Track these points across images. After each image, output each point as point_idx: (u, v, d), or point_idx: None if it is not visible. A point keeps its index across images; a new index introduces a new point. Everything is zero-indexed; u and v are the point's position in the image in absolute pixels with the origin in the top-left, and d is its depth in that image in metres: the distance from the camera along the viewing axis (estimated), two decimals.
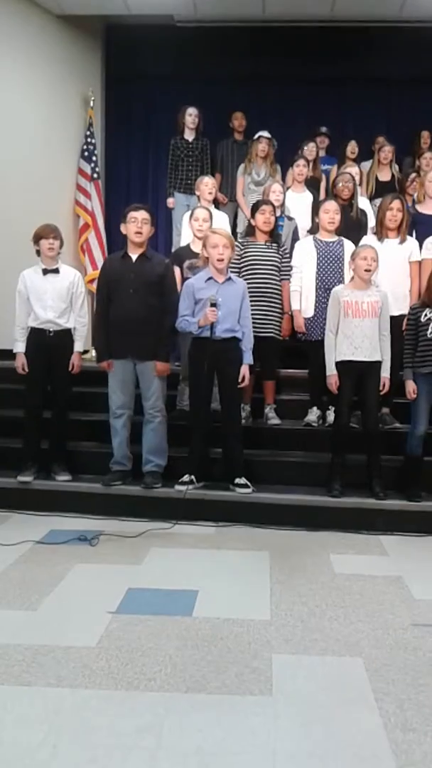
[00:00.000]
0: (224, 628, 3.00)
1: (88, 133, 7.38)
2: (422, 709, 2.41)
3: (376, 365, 4.46)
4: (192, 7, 6.76)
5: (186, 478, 4.52)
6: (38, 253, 4.71)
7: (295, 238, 5.58)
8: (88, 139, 7.36)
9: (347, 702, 2.46)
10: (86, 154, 7.34)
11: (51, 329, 4.66)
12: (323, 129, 7.30)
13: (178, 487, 4.51)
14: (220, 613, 3.13)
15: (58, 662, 2.67)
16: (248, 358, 4.51)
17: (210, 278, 4.48)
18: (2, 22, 6.41)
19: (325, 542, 4.15)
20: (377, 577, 3.63)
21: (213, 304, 4.32)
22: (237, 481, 4.50)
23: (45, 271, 4.69)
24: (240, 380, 4.48)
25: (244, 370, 4.48)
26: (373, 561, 3.90)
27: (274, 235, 5.10)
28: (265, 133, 6.60)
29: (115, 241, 6.42)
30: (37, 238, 4.67)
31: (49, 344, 4.66)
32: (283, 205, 5.71)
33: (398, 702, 2.45)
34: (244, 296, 4.53)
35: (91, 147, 7.36)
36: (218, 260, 4.41)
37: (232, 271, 4.93)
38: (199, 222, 5.02)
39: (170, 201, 6.97)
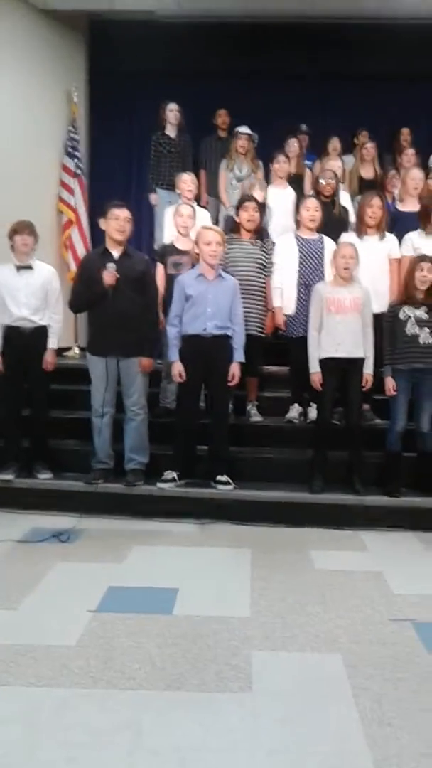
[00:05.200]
0: (204, 625, 3.01)
1: (71, 128, 7.33)
2: (399, 704, 2.44)
3: (359, 362, 4.49)
4: (175, 3, 6.73)
5: (168, 475, 4.53)
6: (12, 249, 4.68)
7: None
8: (72, 135, 7.32)
9: (325, 698, 2.48)
10: (70, 150, 7.30)
11: (26, 327, 4.64)
12: (303, 127, 7.31)
13: (160, 485, 4.51)
14: (201, 611, 3.15)
15: (37, 661, 2.68)
16: (239, 356, 4.51)
17: (200, 275, 4.48)
18: None
19: (305, 538, 4.18)
20: (357, 573, 3.66)
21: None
22: (219, 478, 4.52)
23: (19, 268, 4.66)
24: (230, 378, 4.48)
25: (234, 369, 4.49)
26: (353, 557, 3.93)
27: (258, 232, 5.10)
28: (244, 129, 6.59)
29: (99, 238, 6.37)
30: (12, 234, 4.64)
31: (24, 342, 4.63)
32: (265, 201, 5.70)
33: (376, 697, 2.48)
34: (236, 294, 4.54)
35: (75, 143, 7.32)
36: (210, 256, 4.41)
37: (221, 269, 4.94)
38: (184, 218, 5.02)
39: (153, 197, 6.94)
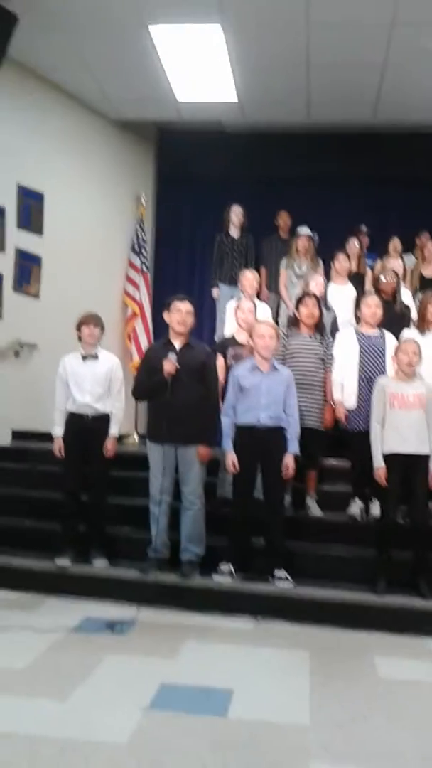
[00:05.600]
0: (260, 731, 2.84)
1: (139, 228, 7.72)
2: None
3: (424, 458, 4.37)
4: (240, 114, 7.15)
5: (225, 568, 4.42)
6: (80, 339, 4.84)
7: (334, 328, 5.63)
8: (139, 234, 7.70)
9: None
10: (136, 248, 7.66)
11: (88, 413, 4.72)
12: (363, 227, 7.49)
13: (216, 578, 4.40)
14: (256, 715, 2.97)
15: (86, 759, 2.55)
16: (294, 447, 4.48)
17: (255, 367, 4.52)
18: (63, 126, 6.89)
19: (368, 643, 3.95)
20: (424, 684, 3.42)
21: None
22: (277, 573, 4.38)
23: (84, 357, 4.81)
24: (284, 470, 4.42)
25: (288, 460, 4.44)
26: (420, 665, 3.68)
27: (318, 327, 5.15)
28: (305, 230, 6.80)
29: (162, 331, 6.57)
30: (80, 325, 4.83)
31: (86, 428, 4.71)
32: (324, 296, 5.79)
33: None
34: (290, 385, 4.55)
35: (142, 242, 7.69)
36: (264, 348, 4.46)
37: (277, 362, 4.98)
38: (245, 313, 5.12)
39: (215, 291, 7.15)
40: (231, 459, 4.45)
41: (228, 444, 4.48)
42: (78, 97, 7.03)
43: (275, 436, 4.45)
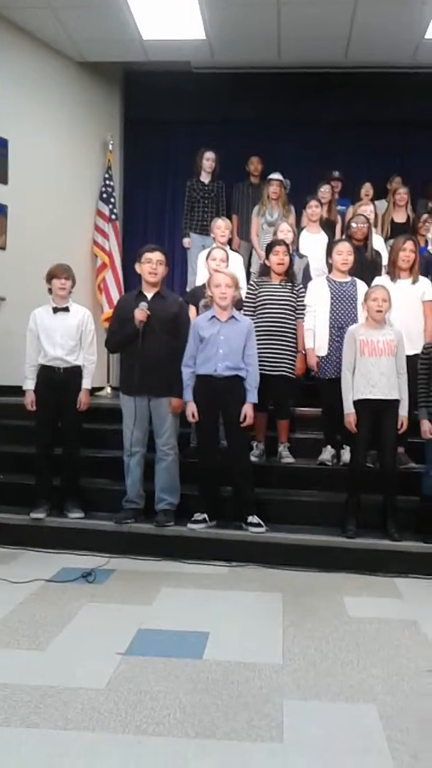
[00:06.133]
0: (235, 671, 2.94)
1: (106, 175, 7.55)
2: None
3: (394, 404, 4.44)
4: (209, 53, 6.94)
5: (199, 516, 4.50)
6: (50, 291, 4.78)
7: (306, 275, 5.61)
8: (107, 182, 7.53)
9: (360, 750, 2.39)
10: (105, 196, 7.50)
11: (60, 366, 4.70)
12: (336, 173, 7.41)
13: (190, 526, 4.48)
14: (231, 657, 3.07)
15: (65, 704, 2.63)
16: (252, 397, 4.50)
17: (213, 317, 4.51)
18: (26, 69, 6.64)
19: (339, 584, 4.08)
20: (392, 621, 3.55)
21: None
22: (250, 519, 4.47)
23: (55, 310, 4.76)
24: (242, 420, 4.47)
25: (246, 409, 4.47)
26: (388, 604, 3.82)
27: (289, 275, 5.14)
28: (277, 175, 6.71)
29: (132, 281, 6.51)
30: (50, 277, 4.75)
31: (58, 381, 4.69)
32: (294, 243, 5.75)
33: (412, 752, 2.37)
34: (249, 335, 4.55)
35: (110, 189, 7.52)
36: (220, 298, 4.45)
37: (246, 311, 4.98)
38: (217, 262, 5.08)
39: (186, 241, 7.07)
40: (191, 409, 4.48)
41: (188, 394, 4.49)
42: (41, 39, 6.76)
43: (234, 385, 4.46)
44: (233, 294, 4.52)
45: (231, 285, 4.48)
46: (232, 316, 4.54)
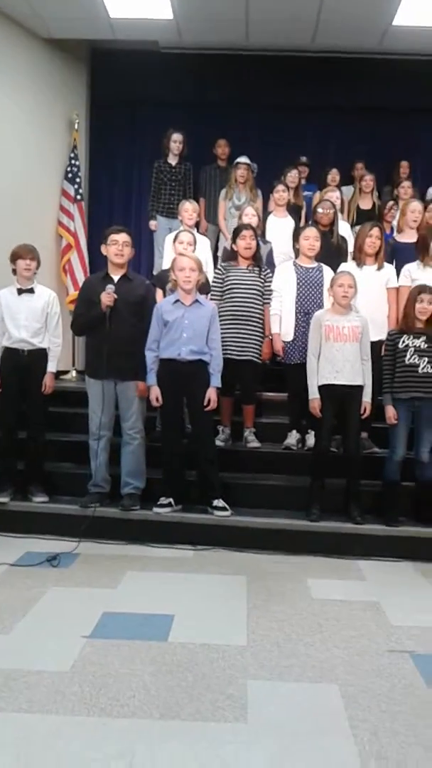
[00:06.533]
0: (200, 653, 2.97)
1: (72, 155, 7.41)
2: (397, 737, 2.40)
3: (358, 389, 4.49)
4: (176, 33, 6.85)
5: (164, 500, 4.51)
6: (14, 272, 4.71)
7: (270, 260, 5.61)
8: (72, 161, 7.39)
9: (322, 729, 2.44)
10: (70, 175, 7.37)
11: (25, 349, 4.64)
12: (303, 159, 7.42)
13: (156, 510, 4.48)
14: (196, 639, 3.10)
15: (29, 687, 2.63)
16: (215, 381, 4.50)
17: (177, 300, 4.50)
18: None
19: (303, 567, 4.14)
20: (354, 603, 3.62)
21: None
22: (215, 503, 4.49)
23: (20, 291, 4.69)
24: (206, 404, 4.47)
25: (210, 393, 4.48)
26: (351, 586, 3.89)
27: (256, 259, 5.14)
28: (244, 159, 6.68)
29: (98, 263, 6.42)
30: (14, 258, 4.68)
31: (22, 364, 4.64)
32: (260, 227, 5.75)
33: (373, 729, 2.44)
34: (213, 319, 4.54)
35: (75, 169, 7.39)
36: (185, 282, 4.44)
37: (213, 295, 4.97)
38: (184, 245, 5.04)
39: (153, 224, 7.01)
40: (155, 393, 4.47)
41: (152, 378, 4.48)
42: (6, 13, 6.57)
43: (198, 369, 4.46)
44: (197, 278, 4.50)
45: (195, 269, 4.46)
46: (196, 300, 4.53)
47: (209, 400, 4.46)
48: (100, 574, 3.90)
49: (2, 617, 3.26)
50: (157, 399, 4.47)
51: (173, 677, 2.75)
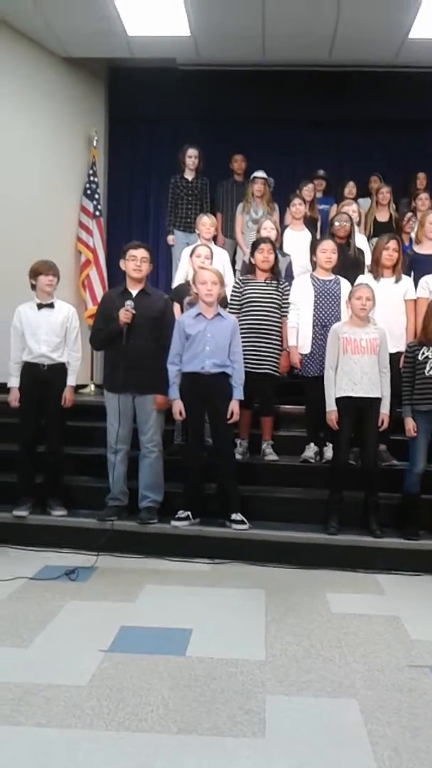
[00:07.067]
0: (218, 668, 2.95)
1: (91, 171, 7.51)
2: (417, 753, 2.36)
3: (376, 402, 4.47)
4: (194, 50, 6.93)
5: (182, 513, 4.51)
6: (33, 287, 4.76)
7: (289, 273, 5.63)
8: (91, 178, 7.49)
9: (341, 745, 2.41)
10: (89, 192, 7.47)
11: (45, 363, 4.69)
12: (321, 172, 7.46)
13: (174, 523, 4.48)
14: (214, 653, 3.09)
15: (48, 701, 2.63)
16: (238, 393, 4.51)
17: (199, 314, 4.52)
18: (9, 64, 6.59)
19: (321, 580, 4.11)
20: (374, 617, 3.59)
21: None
22: (233, 517, 4.48)
23: (40, 306, 4.74)
24: (228, 416, 4.47)
25: (233, 406, 4.48)
26: (370, 600, 3.85)
27: (274, 272, 5.15)
28: (261, 174, 6.74)
29: (116, 278, 6.48)
30: (35, 274, 4.73)
31: (42, 378, 4.68)
32: (278, 240, 5.77)
33: (393, 745, 2.41)
34: (234, 332, 4.56)
35: (94, 185, 7.48)
36: (206, 295, 4.46)
37: (231, 308, 4.99)
38: (201, 259, 5.07)
39: (170, 238, 7.07)
40: (178, 407, 4.48)
41: (174, 392, 4.50)
42: (24, 33, 6.71)
43: (220, 382, 4.47)
44: (219, 291, 4.53)
45: (217, 282, 4.49)
46: (218, 314, 4.55)
47: (232, 413, 4.47)
48: (118, 587, 3.90)
49: (21, 631, 3.27)
50: (180, 413, 4.47)
51: (191, 692, 2.74)
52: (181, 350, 4.49)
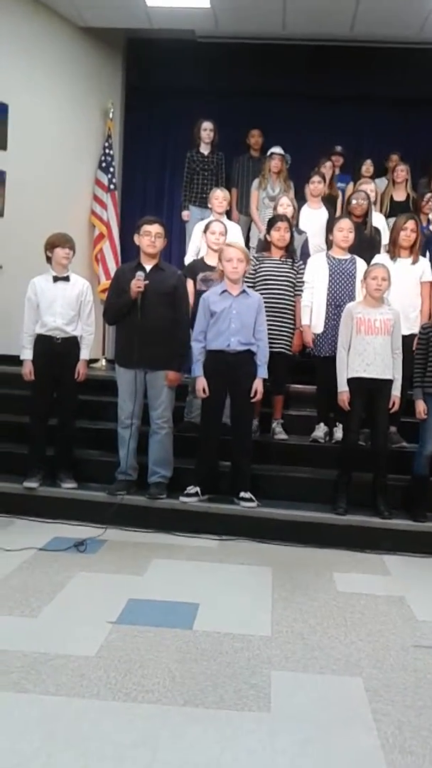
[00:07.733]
0: (224, 642, 2.98)
1: (106, 144, 7.45)
2: (420, 732, 2.39)
3: (387, 383, 4.45)
4: (213, 23, 6.83)
5: (191, 489, 4.52)
6: (48, 260, 4.74)
7: (305, 251, 5.58)
8: (107, 151, 7.43)
9: (345, 722, 2.44)
10: (104, 165, 7.41)
11: (58, 336, 4.69)
12: (338, 148, 7.36)
13: (182, 499, 4.50)
14: (221, 628, 3.12)
15: (56, 670, 2.67)
16: (262, 372, 4.51)
17: (224, 291, 4.50)
18: (27, 34, 6.52)
19: (328, 560, 4.13)
20: (380, 597, 3.61)
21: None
22: (242, 494, 4.49)
23: (56, 279, 4.73)
24: (252, 394, 4.47)
25: (257, 384, 4.48)
26: (377, 580, 3.87)
27: (289, 251, 5.11)
28: (278, 150, 6.65)
29: (130, 252, 6.46)
30: (51, 246, 4.71)
31: (55, 351, 4.68)
32: (294, 217, 5.72)
33: (397, 724, 2.43)
34: (260, 310, 4.55)
35: (109, 158, 7.42)
36: (232, 272, 4.43)
37: (246, 286, 4.95)
38: (216, 235, 5.04)
39: (185, 214, 7.01)
40: (201, 384, 4.47)
41: (199, 369, 4.49)
42: (43, 2, 6.62)
43: (245, 360, 4.47)
44: (245, 268, 4.50)
45: (243, 259, 4.46)
46: (243, 291, 4.53)
47: (256, 391, 4.46)
48: (127, 560, 3.93)
49: (30, 601, 3.30)
50: (204, 390, 4.47)
51: (198, 665, 2.77)
52: (205, 327, 4.48)
